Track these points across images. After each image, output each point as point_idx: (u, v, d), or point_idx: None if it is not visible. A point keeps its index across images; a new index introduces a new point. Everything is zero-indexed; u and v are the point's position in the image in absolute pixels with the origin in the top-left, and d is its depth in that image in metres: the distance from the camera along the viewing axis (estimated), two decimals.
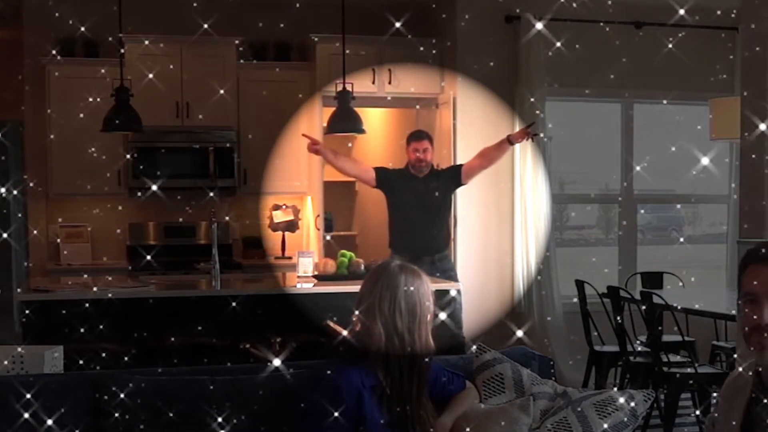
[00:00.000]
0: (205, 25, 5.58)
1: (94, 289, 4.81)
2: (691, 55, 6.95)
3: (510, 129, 6.65)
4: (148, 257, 6.01)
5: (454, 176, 5.86)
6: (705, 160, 4.74)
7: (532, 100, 6.56)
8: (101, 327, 4.41)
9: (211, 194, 6.31)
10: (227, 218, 6.98)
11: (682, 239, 7.13)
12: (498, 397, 2.85)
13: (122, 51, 5.79)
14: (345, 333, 2.62)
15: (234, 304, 4.68)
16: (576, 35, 6.57)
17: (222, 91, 6.60)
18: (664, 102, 7.08)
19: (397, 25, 5.92)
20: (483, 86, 6.58)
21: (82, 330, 4.22)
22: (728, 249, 7.41)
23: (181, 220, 6.96)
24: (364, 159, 8.05)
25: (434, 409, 2.71)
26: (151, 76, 6.24)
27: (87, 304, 4.51)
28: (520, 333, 6.26)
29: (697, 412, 5.27)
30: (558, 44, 6.38)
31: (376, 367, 2.54)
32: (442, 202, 5.88)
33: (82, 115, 6.33)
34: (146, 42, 6.50)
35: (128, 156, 6.63)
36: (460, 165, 5.92)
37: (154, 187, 6.41)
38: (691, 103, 7.31)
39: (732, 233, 7.19)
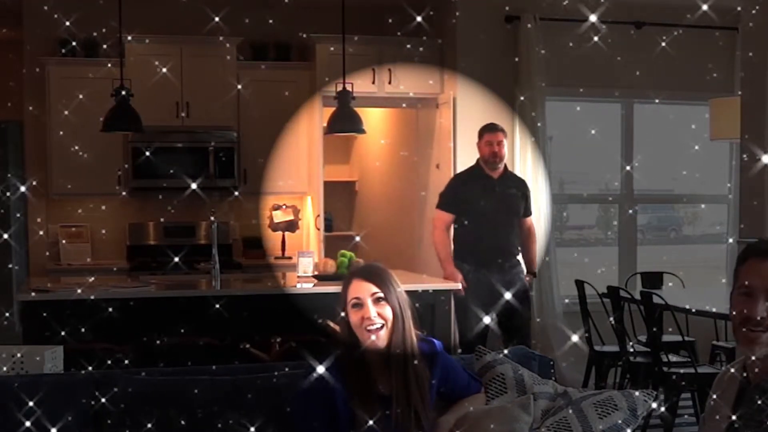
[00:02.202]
0: (216, 19, 5.59)
1: (90, 289, 4.79)
2: (691, 55, 6.96)
3: (510, 129, 6.65)
4: (176, 259, 5.92)
5: (525, 193, 5.77)
6: (766, 158, 4.65)
7: (521, 98, 6.55)
8: (101, 327, 4.41)
9: (236, 193, 6.24)
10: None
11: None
12: (501, 398, 2.84)
13: (122, 51, 5.80)
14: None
15: (234, 304, 4.68)
16: (576, 35, 6.56)
17: (223, 91, 6.61)
18: (656, 101, 7.06)
19: (418, 19, 5.96)
20: (483, 86, 6.57)
21: (82, 330, 4.22)
22: (728, 249, 7.40)
23: (178, 219, 6.97)
24: (364, 159, 8.08)
25: (430, 408, 2.70)
26: (151, 76, 6.25)
27: (87, 304, 4.51)
28: (575, 338, 6.23)
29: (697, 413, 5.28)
30: (592, 40, 6.36)
31: (341, 362, 2.61)
32: (516, 205, 5.70)
33: (81, 115, 6.34)
34: (146, 42, 6.51)
35: (128, 156, 6.64)
36: (529, 193, 5.82)
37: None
38: (690, 103, 7.31)
39: (731, 233, 7.19)
